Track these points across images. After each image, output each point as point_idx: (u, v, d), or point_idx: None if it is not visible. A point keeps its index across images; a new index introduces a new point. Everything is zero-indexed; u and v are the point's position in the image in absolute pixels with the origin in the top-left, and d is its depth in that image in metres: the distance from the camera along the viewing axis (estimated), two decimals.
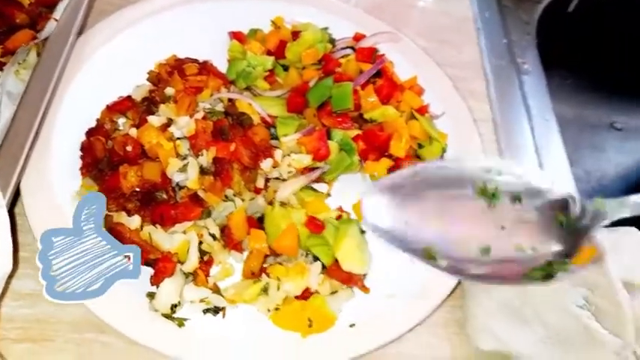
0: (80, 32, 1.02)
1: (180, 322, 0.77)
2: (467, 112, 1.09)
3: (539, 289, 0.90)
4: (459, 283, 0.90)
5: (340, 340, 0.81)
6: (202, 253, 0.82)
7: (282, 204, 0.86)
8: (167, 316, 0.77)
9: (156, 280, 0.78)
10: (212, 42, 1.10)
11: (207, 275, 0.81)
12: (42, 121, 0.88)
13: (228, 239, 0.82)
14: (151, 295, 0.78)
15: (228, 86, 1.02)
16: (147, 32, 1.08)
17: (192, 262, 0.80)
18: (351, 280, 0.84)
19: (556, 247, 0.68)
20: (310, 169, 0.93)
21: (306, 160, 0.91)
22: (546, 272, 0.68)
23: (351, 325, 0.82)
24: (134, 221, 0.80)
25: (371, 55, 1.07)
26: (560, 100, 1.90)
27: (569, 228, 0.68)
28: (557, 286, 0.87)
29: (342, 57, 1.09)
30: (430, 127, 1.01)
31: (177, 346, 0.76)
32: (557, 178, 1.17)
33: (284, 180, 0.90)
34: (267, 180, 0.89)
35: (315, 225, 0.85)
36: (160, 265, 0.78)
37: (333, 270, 0.83)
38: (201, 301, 0.78)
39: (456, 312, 0.94)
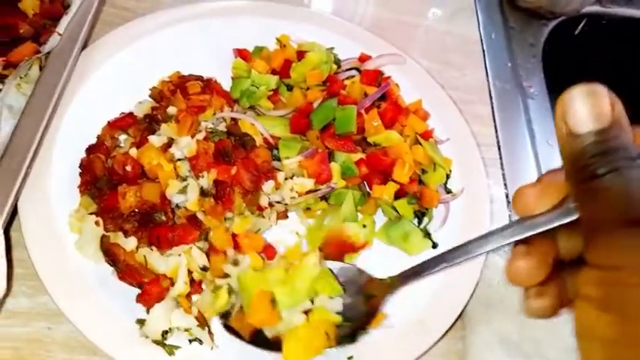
0: (84, 46, 1.01)
1: (170, 350, 0.76)
2: (471, 138, 1.08)
3: (538, 323, 0.89)
4: (461, 314, 0.89)
5: None
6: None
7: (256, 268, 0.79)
8: (158, 343, 0.76)
9: (142, 303, 0.76)
10: (216, 59, 1.09)
11: (190, 300, 0.79)
12: (43, 135, 0.87)
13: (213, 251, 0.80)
14: (141, 322, 0.77)
15: (231, 104, 1.01)
16: (151, 48, 1.07)
17: (179, 286, 0.78)
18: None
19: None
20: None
21: (309, 184, 0.90)
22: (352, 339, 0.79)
23: (350, 358, 0.81)
24: (130, 243, 0.78)
25: (376, 78, 1.06)
26: None
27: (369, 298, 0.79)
28: (556, 321, 0.85)
29: (347, 78, 1.08)
30: (434, 153, 1.00)
31: None
32: None
33: (286, 204, 0.88)
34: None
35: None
36: (147, 288, 0.76)
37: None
38: (186, 330, 0.76)
39: (457, 343, 0.92)
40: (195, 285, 0.81)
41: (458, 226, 0.98)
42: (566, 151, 0.46)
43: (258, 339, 0.77)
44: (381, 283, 0.80)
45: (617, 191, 0.41)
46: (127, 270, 0.77)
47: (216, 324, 0.80)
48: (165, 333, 0.76)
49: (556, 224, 0.51)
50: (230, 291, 0.77)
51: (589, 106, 0.45)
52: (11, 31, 1.01)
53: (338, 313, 0.78)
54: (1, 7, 1.04)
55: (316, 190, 0.92)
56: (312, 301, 0.78)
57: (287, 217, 0.91)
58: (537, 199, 0.51)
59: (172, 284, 0.78)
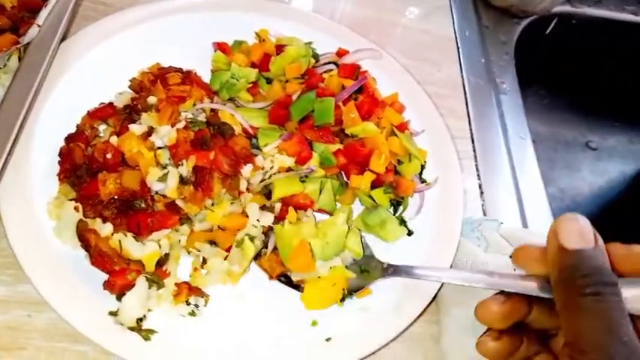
0: (63, 38, 1.01)
1: (147, 336, 0.77)
2: (445, 130, 1.11)
3: None
4: (435, 297, 0.92)
5: (316, 353, 0.81)
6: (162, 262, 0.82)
7: (291, 222, 0.88)
8: (133, 329, 0.77)
9: (108, 290, 0.78)
10: (196, 52, 1.11)
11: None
12: (22, 126, 0.87)
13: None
14: (114, 313, 0.78)
15: (211, 97, 1.02)
16: (131, 41, 1.08)
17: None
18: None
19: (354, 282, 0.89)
20: None
21: (289, 161, 0.92)
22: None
23: (327, 339, 0.83)
24: (105, 228, 0.79)
25: (353, 71, 1.09)
26: (537, 118, 1.95)
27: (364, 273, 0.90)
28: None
29: (325, 72, 1.11)
30: (410, 144, 1.03)
31: (151, 356, 0.75)
32: (532, 197, 1.21)
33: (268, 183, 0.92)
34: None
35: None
36: (111, 279, 0.77)
37: None
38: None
39: (432, 327, 0.95)
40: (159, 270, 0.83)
41: (433, 215, 1.01)
42: (556, 263, 0.59)
43: (284, 279, 0.89)
44: (377, 264, 0.90)
45: (595, 315, 0.53)
46: (98, 256, 0.77)
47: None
48: (140, 320, 0.77)
49: (530, 293, 0.65)
50: (251, 238, 0.86)
51: (578, 228, 0.58)
52: None
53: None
54: None
55: (296, 171, 0.94)
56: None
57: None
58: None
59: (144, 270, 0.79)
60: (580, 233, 0.58)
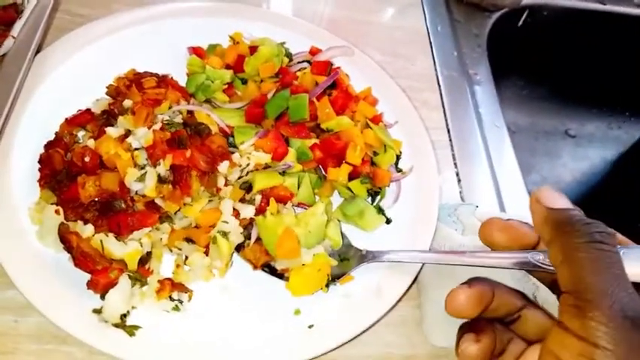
0: (39, 49, 1.03)
1: (131, 332, 0.78)
2: (419, 120, 1.14)
3: None
4: (415, 281, 0.94)
5: (299, 340, 0.83)
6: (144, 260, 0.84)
7: (272, 213, 0.91)
8: (118, 326, 0.78)
9: (92, 289, 0.79)
10: (171, 58, 1.13)
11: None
12: (0, 135, 0.89)
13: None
14: (98, 311, 0.79)
15: (187, 99, 1.04)
16: (106, 49, 1.10)
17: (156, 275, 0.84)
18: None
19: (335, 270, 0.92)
20: None
21: (266, 158, 0.94)
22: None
23: (310, 326, 0.85)
24: (87, 230, 0.81)
25: (326, 68, 1.11)
26: (516, 109, 1.99)
27: (344, 261, 0.93)
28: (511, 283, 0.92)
29: (299, 70, 1.13)
30: (384, 136, 1.06)
31: (137, 353, 0.77)
32: (510, 183, 1.23)
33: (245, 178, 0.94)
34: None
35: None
36: (94, 278, 0.78)
37: None
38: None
39: (414, 311, 0.97)
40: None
41: (410, 203, 1.03)
42: (549, 221, 0.60)
43: (267, 269, 0.91)
44: (356, 251, 0.93)
45: (601, 263, 0.54)
46: (80, 257, 0.79)
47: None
48: (124, 316, 0.79)
49: (513, 268, 0.69)
50: (224, 234, 0.88)
51: (558, 194, 0.62)
52: None
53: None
54: None
55: (273, 167, 0.96)
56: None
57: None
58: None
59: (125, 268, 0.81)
60: (562, 197, 0.61)
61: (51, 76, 1.02)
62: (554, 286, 0.69)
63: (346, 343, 0.85)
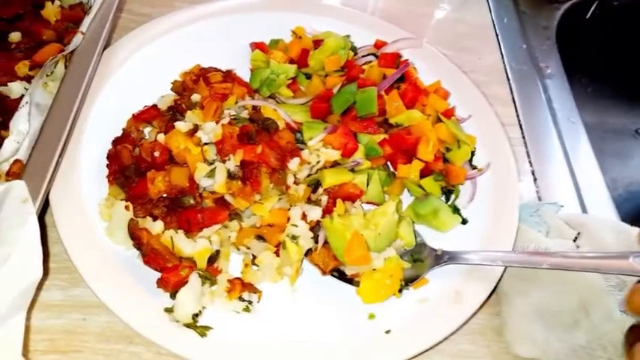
0: (106, 46, 1.03)
1: (203, 332, 0.75)
2: (493, 115, 1.08)
3: (577, 293, 0.87)
4: (495, 288, 0.87)
5: (376, 347, 0.78)
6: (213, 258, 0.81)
7: (339, 214, 0.86)
8: (189, 326, 0.75)
9: (161, 288, 0.77)
10: (233, 54, 1.11)
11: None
12: (71, 133, 0.88)
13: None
14: (169, 310, 0.76)
15: (252, 94, 1.02)
16: (170, 45, 1.09)
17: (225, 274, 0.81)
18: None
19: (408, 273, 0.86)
20: None
21: (336, 155, 0.90)
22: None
23: (387, 332, 0.80)
24: (156, 226, 0.79)
25: (394, 60, 1.06)
26: (583, 106, 1.87)
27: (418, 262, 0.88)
28: (598, 288, 0.84)
29: (365, 64, 1.09)
30: (457, 130, 1.00)
31: (209, 354, 0.74)
32: (589, 182, 1.15)
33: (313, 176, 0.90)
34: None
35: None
36: (164, 276, 0.76)
37: None
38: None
39: (493, 319, 0.90)
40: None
41: (487, 202, 0.96)
42: None
43: (337, 273, 0.86)
44: (431, 251, 0.87)
45: None
46: (150, 254, 0.77)
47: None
48: (195, 316, 0.76)
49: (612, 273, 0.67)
50: (294, 237, 0.84)
51: None
52: (35, 37, 1.04)
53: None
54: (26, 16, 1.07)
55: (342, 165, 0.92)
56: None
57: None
58: None
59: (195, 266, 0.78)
60: None
61: (117, 72, 1.02)
62: None
63: (425, 351, 0.79)
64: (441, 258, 0.85)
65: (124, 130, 0.92)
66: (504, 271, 0.88)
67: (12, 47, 1.03)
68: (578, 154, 1.20)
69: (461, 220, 0.94)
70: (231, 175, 0.83)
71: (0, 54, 1.00)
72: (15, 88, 0.92)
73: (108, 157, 0.88)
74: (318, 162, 0.89)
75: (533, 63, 1.37)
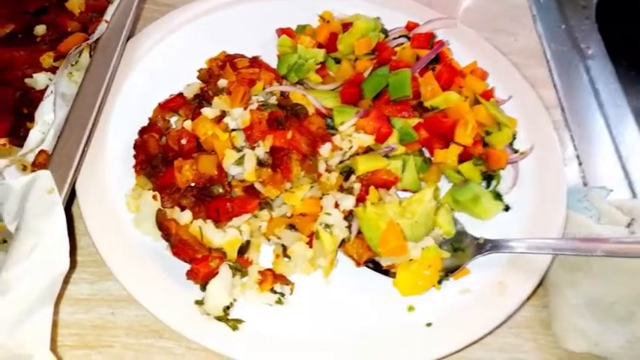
0: (130, 36, 1.01)
1: (234, 325, 0.72)
2: (535, 96, 1.02)
3: (632, 283, 0.81)
4: (543, 278, 0.81)
5: (417, 341, 0.74)
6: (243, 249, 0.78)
7: (373, 203, 0.81)
8: (220, 319, 0.72)
9: (191, 279, 0.74)
10: (259, 41, 1.07)
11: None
12: (97, 123, 0.86)
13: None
14: (200, 302, 0.73)
15: (280, 81, 0.98)
16: (195, 34, 1.07)
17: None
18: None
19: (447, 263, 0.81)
20: None
21: (369, 139, 0.86)
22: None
23: (428, 325, 0.75)
24: (184, 216, 0.76)
25: (428, 40, 1.01)
26: (628, 89, 1.78)
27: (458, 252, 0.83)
28: None
29: (397, 46, 1.04)
30: (497, 112, 0.94)
31: (242, 348, 0.70)
32: (638, 166, 1.08)
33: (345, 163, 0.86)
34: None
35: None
36: (194, 267, 0.73)
37: None
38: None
39: (540, 312, 0.85)
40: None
41: (531, 187, 0.91)
42: None
43: (372, 264, 0.82)
44: (472, 240, 0.82)
45: None
46: (179, 245, 0.74)
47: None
48: (227, 308, 0.73)
49: None
50: (327, 226, 0.79)
51: None
52: (60, 29, 1.02)
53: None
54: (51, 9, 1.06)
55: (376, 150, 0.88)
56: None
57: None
58: None
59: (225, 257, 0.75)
60: None
61: (142, 62, 0.99)
62: None
63: (469, 345, 0.74)
64: (484, 247, 0.80)
65: (150, 119, 0.89)
66: (552, 260, 0.82)
67: (37, 40, 1.02)
68: (625, 138, 1.12)
69: (503, 206, 0.89)
70: (260, 163, 0.79)
71: (25, 47, 0.99)
72: (40, 80, 0.91)
73: (134, 147, 0.86)
74: (350, 148, 0.85)
75: (573, 44, 1.30)
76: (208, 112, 0.82)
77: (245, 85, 0.85)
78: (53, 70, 0.93)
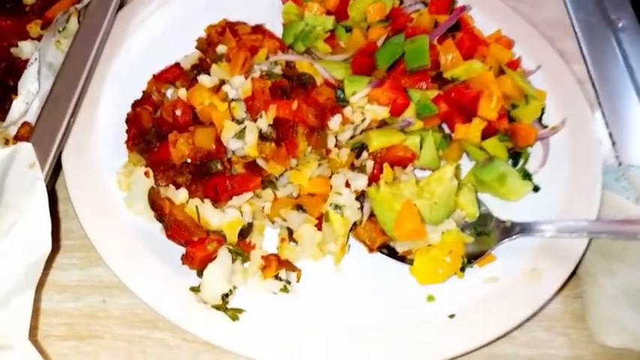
0: (122, 5, 0.94)
1: (234, 315, 0.66)
2: (565, 66, 0.93)
3: None
4: (577, 266, 0.74)
5: (439, 333, 0.66)
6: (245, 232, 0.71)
7: (387, 182, 0.74)
8: (219, 308, 0.66)
9: (186, 264, 0.68)
10: (262, 9, 0.98)
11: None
12: (84, 94, 0.80)
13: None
14: (195, 289, 0.67)
15: (285, 51, 0.90)
16: (194, 2, 0.98)
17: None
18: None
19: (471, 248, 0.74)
20: None
21: (383, 112, 0.78)
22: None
23: (451, 316, 0.68)
24: (180, 195, 0.69)
25: (447, 5, 0.93)
26: None
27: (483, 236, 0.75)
28: None
29: (413, 12, 0.95)
30: (525, 83, 0.86)
31: (241, 340, 0.64)
32: None
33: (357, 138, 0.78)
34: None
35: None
36: (189, 250, 0.66)
37: None
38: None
39: (573, 303, 0.78)
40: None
41: (562, 165, 0.83)
42: None
43: (386, 250, 0.75)
44: (498, 223, 0.75)
45: None
46: (174, 226, 0.67)
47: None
48: (226, 296, 0.66)
49: None
50: (338, 207, 0.72)
51: None
52: None
53: None
54: None
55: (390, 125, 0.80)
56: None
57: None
58: None
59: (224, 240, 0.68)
60: None
61: (137, 32, 0.92)
62: None
63: (497, 339, 0.67)
64: (511, 230, 0.73)
65: (144, 92, 0.83)
66: (587, 246, 0.74)
67: (27, 10, 0.96)
68: None
69: (532, 186, 0.81)
70: (263, 136, 0.72)
71: (12, 17, 0.93)
72: (25, 48, 0.85)
73: (127, 121, 0.79)
74: (362, 121, 0.78)
75: (603, 15, 1.21)
76: (206, 79, 0.75)
77: (246, 51, 0.78)
78: (40, 39, 0.87)
